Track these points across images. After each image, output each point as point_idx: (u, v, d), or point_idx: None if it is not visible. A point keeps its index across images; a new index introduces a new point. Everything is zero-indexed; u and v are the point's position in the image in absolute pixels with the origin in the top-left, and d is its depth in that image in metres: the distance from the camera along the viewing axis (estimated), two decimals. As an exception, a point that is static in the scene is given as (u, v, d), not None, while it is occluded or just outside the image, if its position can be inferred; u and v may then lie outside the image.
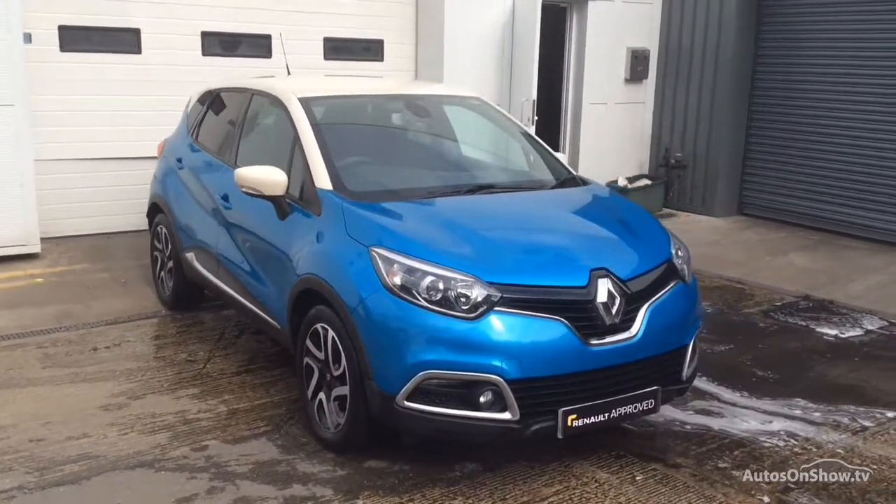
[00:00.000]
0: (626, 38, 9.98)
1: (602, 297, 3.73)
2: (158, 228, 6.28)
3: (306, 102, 4.78)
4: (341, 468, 3.96)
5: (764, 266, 8.04)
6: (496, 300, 3.60)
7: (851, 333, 6.11)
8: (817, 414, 4.70)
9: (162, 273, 6.32)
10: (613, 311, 3.75)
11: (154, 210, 6.36)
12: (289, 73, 6.45)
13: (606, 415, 3.77)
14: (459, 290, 3.61)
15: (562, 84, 10.03)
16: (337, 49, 8.84)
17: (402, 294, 3.64)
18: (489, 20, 9.06)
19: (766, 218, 9.71)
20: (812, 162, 9.15)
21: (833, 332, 6.13)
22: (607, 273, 3.81)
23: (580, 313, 3.70)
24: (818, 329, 6.19)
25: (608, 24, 9.77)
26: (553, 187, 4.84)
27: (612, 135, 10.14)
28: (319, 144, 4.48)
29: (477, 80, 9.08)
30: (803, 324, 6.32)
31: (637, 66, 10.08)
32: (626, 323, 3.81)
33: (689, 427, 4.53)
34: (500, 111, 5.41)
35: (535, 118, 8.97)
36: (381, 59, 9.12)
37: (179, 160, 5.97)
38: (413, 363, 3.58)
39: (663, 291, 4.00)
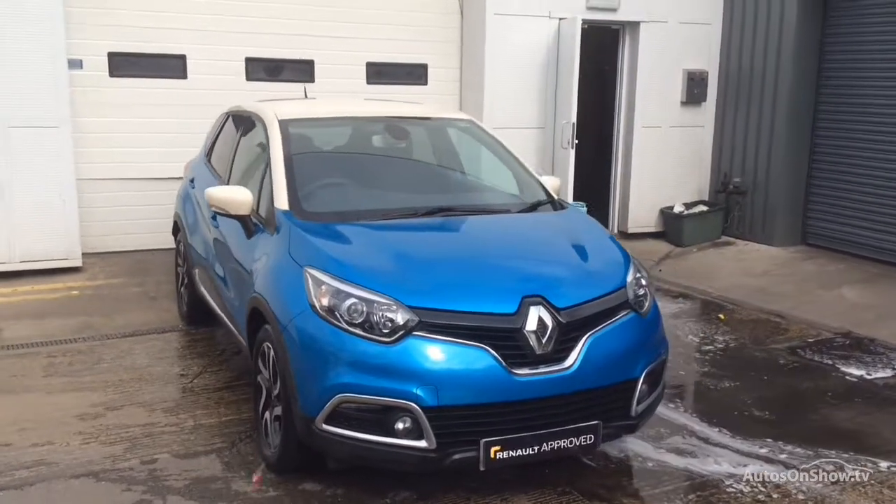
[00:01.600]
0: (682, 59, 9.67)
1: (531, 325, 3.60)
2: (179, 245, 6.50)
3: (285, 125, 4.85)
4: (274, 489, 3.96)
5: (812, 299, 7.57)
6: (414, 325, 3.53)
7: (879, 375, 5.67)
8: (800, 460, 4.36)
9: (181, 289, 6.52)
10: (544, 340, 3.61)
11: (175, 228, 6.59)
12: (305, 97, 6.55)
13: (536, 448, 3.62)
14: (379, 314, 3.56)
15: (614, 107, 9.79)
16: (380, 73, 8.95)
17: (326, 316, 3.62)
18: (533, 43, 8.97)
19: (830, 249, 9.15)
20: (878, 190, 8.57)
21: (859, 372, 5.70)
22: (542, 301, 3.67)
23: (507, 341, 3.58)
24: (843, 369, 5.77)
25: (663, 45, 9.51)
26: (522, 211, 4.72)
27: (668, 159, 9.82)
28: (286, 166, 4.53)
29: (519, 103, 9.02)
30: (829, 362, 5.90)
31: (693, 88, 9.74)
32: (561, 353, 3.66)
33: (651, 464, 4.30)
34: (490, 134, 5.33)
35: (576, 141, 8.78)
36: (425, 83, 9.16)
37: (192, 180, 6.17)
38: (330, 385, 3.55)
39: (610, 321, 3.83)
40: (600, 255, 4.23)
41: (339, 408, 3.55)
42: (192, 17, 8.11)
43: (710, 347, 6.22)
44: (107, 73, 7.93)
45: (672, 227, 9.83)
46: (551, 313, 3.66)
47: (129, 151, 8.04)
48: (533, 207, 4.77)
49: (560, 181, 5.25)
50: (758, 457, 4.40)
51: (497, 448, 3.56)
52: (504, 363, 3.54)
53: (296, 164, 4.56)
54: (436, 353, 3.51)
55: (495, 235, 4.39)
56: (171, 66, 8.13)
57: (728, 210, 9.85)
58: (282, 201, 4.35)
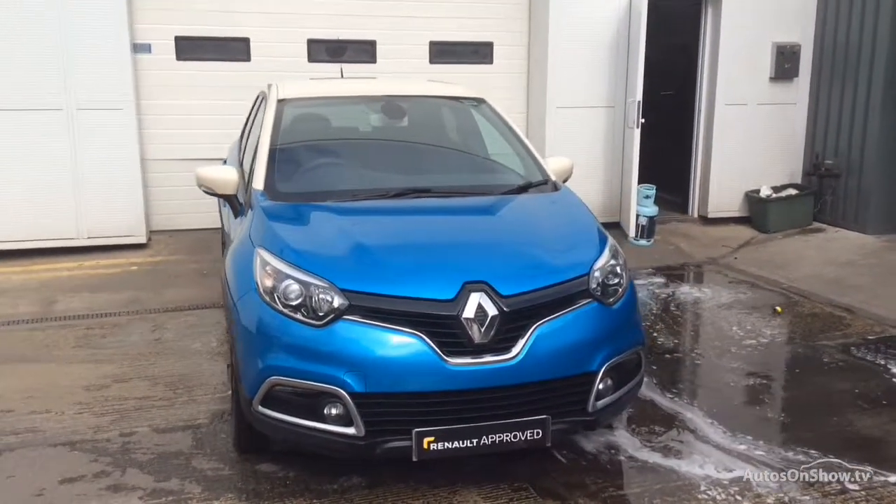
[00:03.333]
0: (772, 32, 9.00)
1: (469, 313, 3.44)
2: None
3: (281, 105, 4.85)
4: (231, 468, 3.99)
5: (889, 294, 6.91)
6: (344, 308, 3.44)
7: (935, 379, 5.10)
8: (797, 467, 3.98)
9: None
10: (483, 329, 3.44)
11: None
12: (342, 76, 6.54)
13: (475, 441, 3.47)
14: (315, 296, 3.50)
15: (695, 84, 9.25)
16: (443, 53, 8.82)
17: (266, 297, 3.60)
18: (602, 18, 8.59)
19: (931, 238, 8.34)
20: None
21: (912, 375, 5.16)
22: (485, 288, 3.50)
23: (442, 329, 3.43)
24: (894, 370, 5.23)
25: (750, 16, 8.87)
26: (506, 193, 4.52)
27: (755, 139, 9.19)
28: (270, 146, 4.54)
29: (586, 81, 8.68)
30: (881, 363, 5.37)
31: (784, 63, 9.05)
32: (505, 343, 3.48)
33: (627, 462, 4.06)
34: (498, 113, 5.14)
35: (642, 121, 8.35)
36: (491, 62, 8.96)
37: (224, 161, 6.30)
38: (263, 367, 3.52)
39: (564, 311, 3.61)
40: (570, 240, 3.99)
41: (273, 391, 3.52)
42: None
43: (753, 342, 5.79)
44: (174, 57, 8.19)
45: (757, 212, 9.22)
46: (494, 301, 3.48)
47: (195, 133, 8.29)
48: (522, 189, 4.55)
49: (570, 162, 4.96)
50: (750, 461, 4.06)
51: (430, 439, 3.43)
52: (439, 351, 3.40)
53: (281, 144, 4.56)
54: (365, 339, 3.42)
55: (459, 218, 4.23)
56: (235, 48, 8.31)
57: (820, 194, 9.14)
58: (258, 181, 4.36)
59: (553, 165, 4.88)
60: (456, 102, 5.35)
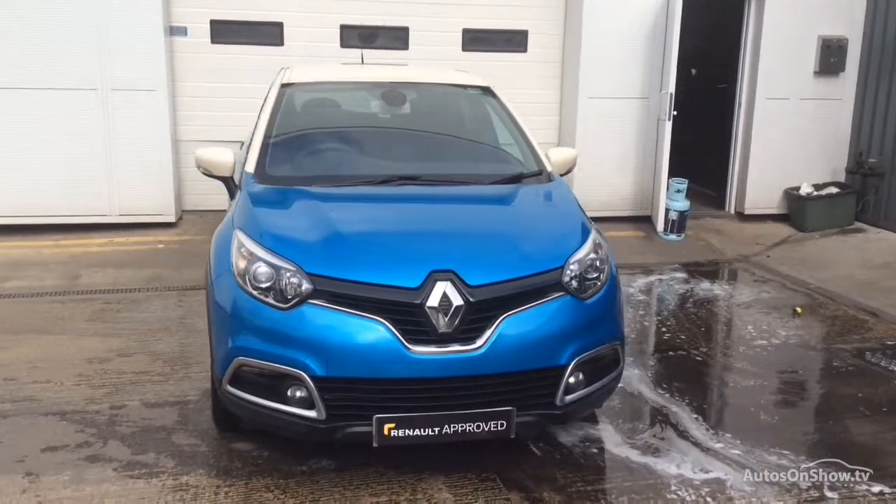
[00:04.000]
0: (817, 24, 8.71)
1: (433, 301, 3.43)
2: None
3: (284, 89, 4.91)
4: (208, 445, 4.06)
5: (922, 298, 6.65)
6: (309, 292, 3.46)
7: (949, 389, 4.90)
8: (778, 471, 3.86)
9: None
10: (447, 318, 3.42)
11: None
12: (362, 62, 6.55)
13: (437, 430, 3.46)
14: (284, 279, 3.52)
15: (736, 77, 9.01)
16: (476, 40, 8.77)
17: (238, 278, 3.64)
18: (638, 7, 8.42)
19: (977, 242, 7.98)
20: None
21: (925, 383, 4.96)
22: (452, 277, 3.48)
23: (406, 316, 3.43)
24: (907, 377, 5.05)
25: (794, 8, 8.60)
26: (496, 182, 4.47)
27: (796, 134, 8.92)
28: (266, 130, 4.60)
29: (620, 71, 8.53)
30: (894, 369, 5.18)
31: (830, 56, 8.75)
32: (471, 333, 3.46)
33: (602, 458, 4.02)
34: (502, 102, 5.08)
35: (674, 113, 8.17)
36: (525, 51, 8.88)
37: (242, 144, 6.38)
38: (231, 347, 3.58)
39: (534, 303, 3.57)
40: (549, 232, 3.93)
41: (240, 371, 3.56)
42: (291, -17, 8.34)
43: (763, 342, 5.64)
44: (209, 40, 8.34)
45: (795, 210, 8.96)
46: (460, 290, 3.46)
47: (227, 115, 8.40)
48: (513, 179, 4.50)
49: (573, 153, 4.88)
50: (730, 462, 3.96)
51: (391, 426, 3.44)
52: (402, 339, 3.39)
53: (277, 128, 4.61)
54: (328, 323, 3.43)
55: (439, 207, 4.21)
56: (269, 33, 8.41)
57: (862, 194, 8.82)
58: (250, 164, 4.41)
59: (555, 156, 4.82)
60: (461, 90, 5.31)
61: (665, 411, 4.52)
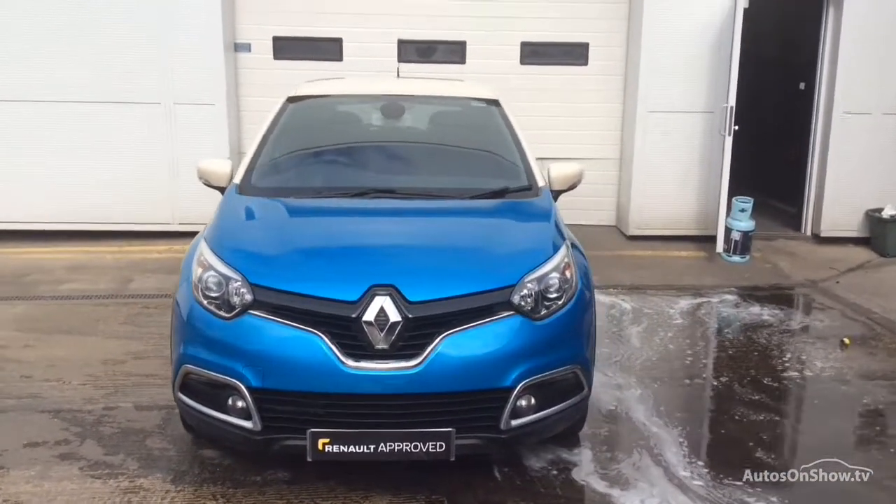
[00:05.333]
0: (903, 34, 8.11)
1: (370, 316, 3.38)
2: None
3: (287, 103, 4.98)
4: (178, 450, 4.15)
5: None
6: (249, 303, 3.48)
7: None
8: (749, 515, 3.59)
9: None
10: (383, 333, 3.37)
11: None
12: (398, 76, 6.58)
13: (373, 447, 3.42)
14: (231, 290, 3.56)
15: (813, 91, 8.50)
16: (535, 53, 8.64)
17: (194, 287, 3.71)
18: (701, 19, 8.08)
19: None
20: None
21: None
22: (392, 291, 3.42)
23: (343, 330, 3.40)
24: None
25: (875, 17, 8.04)
26: (477, 196, 4.35)
27: (879, 152, 8.32)
28: (260, 141, 4.68)
29: (682, 85, 8.21)
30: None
31: (917, 69, 8.12)
32: (410, 350, 3.39)
33: (561, 485, 3.82)
34: (506, 116, 4.97)
35: (735, 128, 7.77)
36: (585, 63, 8.67)
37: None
38: (179, 355, 3.65)
39: (480, 322, 3.46)
40: (509, 249, 3.80)
41: (187, 378, 3.63)
42: (350, 0, 8.46)
43: (794, 374, 5.27)
44: (271, 56, 8.58)
45: (877, 234, 8.35)
46: (399, 306, 3.39)
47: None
48: (497, 194, 4.38)
49: (577, 169, 4.68)
50: (700, 501, 3.69)
51: (326, 440, 3.41)
52: (337, 353, 3.37)
53: (272, 141, 4.68)
54: (265, 334, 3.45)
55: (403, 220, 4.15)
56: (329, 48, 8.57)
57: (951, 218, 8.13)
58: (238, 175, 4.50)
59: (556, 172, 4.67)
60: (466, 103, 5.24)
61: (653, 442, 4.28)
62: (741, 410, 4.71)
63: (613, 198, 8.93)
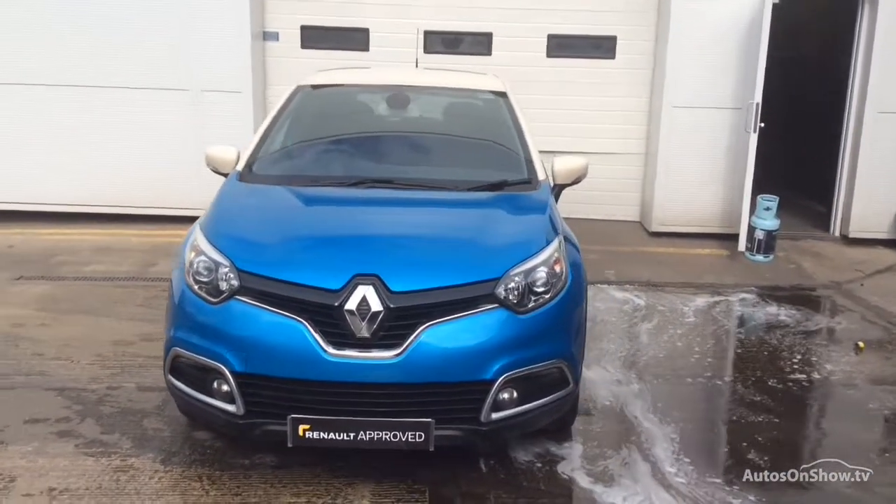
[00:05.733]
0: (940, 32, 7.87)
1: (352, 305, 3.41)
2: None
3: (297, 90, 5.03)
4: (172, 431, 4.23)
5: None
6: (235, 289, 3.54)
7: None
8: (730, 517, 3.56)
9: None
10: (365, 322, 3.39)
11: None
12: (416, 66, 6.60)
13: (352, 435, 3.45)
14: (218, 274, 3.62)
15: (847, 89, 8.31)
16: (562, 46, 8.57)
17: (186, 271, 3.78)
18: (730, 13, 7.93)
19: None
20: None
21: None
22: (376, 281, 3.45)
23: (325, 318, 3.44)
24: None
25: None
26: (473, 189, 4.35)
27: (915, 154, 8.11)
28: (266, 128, 4.74)
29: (711, 79, 8.07)
30: (940, 417, 4.62)
31: (955, 67, 7.88)
32: (392, 340, 3.42)
33: (546, 479, 3.83)
34: (512, 108, 4.96)
35: (760, 125, 7.63)
36: (613, 57, 8.58)
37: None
38: (169, 338, 3.73)
39: (462, 314, 3.47)
40: (500, 241, 3.79)
41: (176, 361, 3.70)
42: (377, -11, 8.51)
43: (801, 377, 5.18)
44: (299, 45, 8.66)
45: (908, 236, 8.15)
46: (381, 296, 3.42)
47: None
48: (495, 187, 4.38)
49: (581, 163, 4.65)
50: (682, 499, 3.67)
51: (306, 427, 3.45)
52: (319, 340, 3.40)
53: (276, 129, 4.74)
54: (250, 320, 3.50)
55: (394, 211, 4.19)
56: (356, 38, 8.62)
57: None
58: (241, 162, 4.56)
59: (559, 165, 4.65)
60: (473, 94, 5.24)
61: (644, 438, 4.26)
62: (740, 411, 4.66)
63: (638, 193, 8.84)
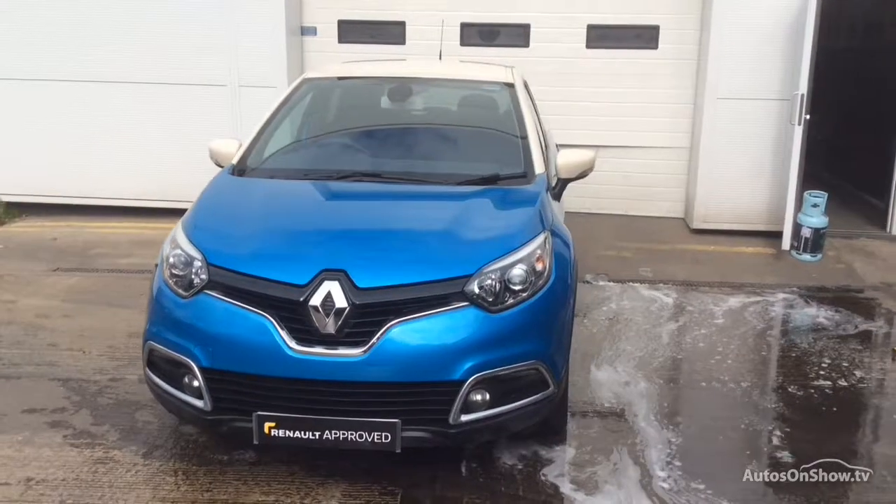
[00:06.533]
0: None
1: (316, 300, 3.34)
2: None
3: (302, 83, 5.00)
4: (160, 424, 4.25)
5: None
6: (204, 283, 3.52)
7: None
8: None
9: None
10: (329, 319, 3.32)
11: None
12: (440, 58, 6.50)
13: (317, 434, 3.39)
14: (193, 268, 3.61)
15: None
16: (602, 37, 8.32)
17: (163, 265, 3.78)
18: (778, 2, 7.57)
19: None
20: None
21: None
22: (342, 276, 3.37)
23: (290, 314, 3.38)
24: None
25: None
26: (464, 182, 4.22)
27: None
28: (266, 121, 4.72)
29: (757, 69, 7.70)
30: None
31: None
32: (358, 337, 3.34)
33: (525, 485, 3.70)
34: (515, 99, 4.81)
35: (806, 117, 7.25)
36: (655, 47, 8.28)
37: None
38: (145, 332, 3.75)
39: (432, 311, 3.37)
40: (475, 237, 3.67)
41: (152, 355, 3.70)
42: (413, -18, 8.43)
43: (825, 383, 4.88)
44: (336, 40, 8.64)
45: (971, 234, 7.64)
46: (346, 292, 3.34)
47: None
48: (487, 181, 4.24)
49: (586, 157, 4.47)
50: (667, 508, 3.50)
51: (272, 424, 3.41)
52: (284, 337, 3.35)
53: (275, 122, 4.72)
54: (216, 315, 3.48)
55: (372, 205, 4.10)
56: (392, 32, 8.55)
57: None
58: (237, 155, 4.54)
59: (562, 159, 4.50)
60: (479, 87, 5.11)
61: (640, 444, 4.07)
62: (750, 418, 4.42)
63: (682, 188, 8.53)
